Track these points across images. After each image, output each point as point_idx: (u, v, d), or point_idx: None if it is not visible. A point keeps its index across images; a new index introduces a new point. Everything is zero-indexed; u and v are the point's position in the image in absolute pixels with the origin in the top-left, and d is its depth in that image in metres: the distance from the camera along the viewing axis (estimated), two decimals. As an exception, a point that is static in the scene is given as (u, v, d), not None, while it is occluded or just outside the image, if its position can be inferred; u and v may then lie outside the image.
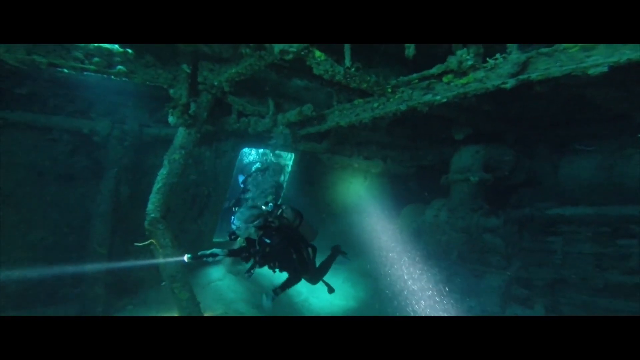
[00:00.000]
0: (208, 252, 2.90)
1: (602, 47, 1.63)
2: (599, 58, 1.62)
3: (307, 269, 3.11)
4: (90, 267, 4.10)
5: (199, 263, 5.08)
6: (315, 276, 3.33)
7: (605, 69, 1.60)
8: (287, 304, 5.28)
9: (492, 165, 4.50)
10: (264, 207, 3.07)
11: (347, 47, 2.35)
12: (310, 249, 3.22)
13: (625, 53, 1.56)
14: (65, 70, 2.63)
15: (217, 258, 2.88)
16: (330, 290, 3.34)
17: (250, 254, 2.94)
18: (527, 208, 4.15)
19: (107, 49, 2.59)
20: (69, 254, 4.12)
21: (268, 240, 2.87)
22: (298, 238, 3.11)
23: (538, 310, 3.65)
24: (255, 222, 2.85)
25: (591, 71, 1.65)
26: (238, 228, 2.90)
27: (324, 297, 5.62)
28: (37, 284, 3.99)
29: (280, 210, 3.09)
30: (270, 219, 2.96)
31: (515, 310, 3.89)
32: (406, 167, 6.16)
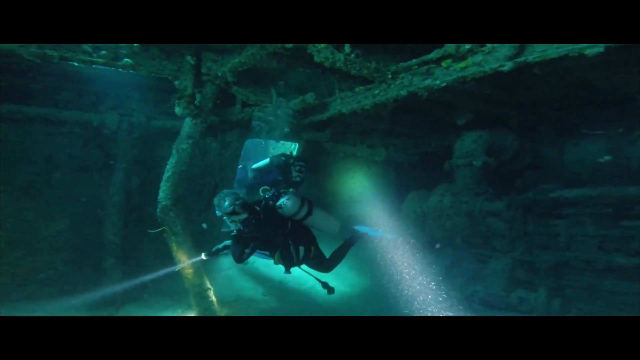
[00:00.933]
0: (221, 245, 3.04)
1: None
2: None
3: (288, 265, 2.96)
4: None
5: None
6: (325, 267, 3.28)
7: (602, 49, 1.62)
8: (295, 291, 5.45)
9: (496, 149, 4.51)
10: (261, 194, 3.00)
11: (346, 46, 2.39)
12: (307, 247, 3.02)
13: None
14: (75, 64, 2.73)
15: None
16: (330, 290, 3.19)
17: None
18: (531, 191, 4.16)
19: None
20: (86, 244, 4.33)
21: (244, 229, 2.80)
22: (294, 232, 2.95)
23: (541, 293, 3.72)
24: (229, 209, 2.74)
25: (587, 52, 1.67)
26: (218, 214, 2.88)
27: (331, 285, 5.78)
28: (60, 273, 4.21)
29: (271, 201, 2.93)
30: (254, 207, 2.86)
31: (520, 294, 3.96)
32: (410, 155, 6.18)
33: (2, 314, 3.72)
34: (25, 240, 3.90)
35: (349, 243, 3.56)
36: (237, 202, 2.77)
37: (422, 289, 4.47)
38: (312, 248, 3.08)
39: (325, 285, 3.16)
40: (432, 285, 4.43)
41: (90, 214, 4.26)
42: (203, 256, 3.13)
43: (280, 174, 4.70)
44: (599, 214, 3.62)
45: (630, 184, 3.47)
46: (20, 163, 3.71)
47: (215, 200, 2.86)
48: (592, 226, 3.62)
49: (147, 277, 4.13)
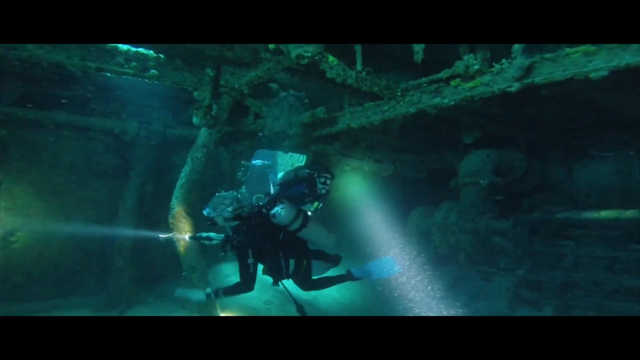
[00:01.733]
0: (204, 234, 2.99)
1: (603, 53, 1.71)
2: (600, 63, 1.71)
3: (276, 277, 2.78)
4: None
5: (215, 260, 5.28)
6: (306, 285, 3.08)
7: (606, 73, 1.69)
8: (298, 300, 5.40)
9: (503, 169, 4.53)
10: (250, 200, 2.83)
11: (358, 49, 2.51)
12: (298, 260, 2.86)
13: (624, 58, 1.64)
14: (108, 74, 2.92)
15: (212, 242, 2.90)
16: (301, 311, 2.83)
17: (225, 244, 2.77)
18: (537, 212, 4.14)
19: (143, 54, 2.87)
20: (98, 246, 4.43)
21: (233, 235, 2.67)
22: (286, 244, 2.82)
23: (546, 312, 3.64)
24: (222, 212, 2.64)
25: (592, 75, 1.73)
26: (209, 213, 2.73)
27: (332, 295, 5.72)
28: (70, 274, 4.30)
29: (265, 209, 2.78)
30: (247, 212, 2.73)
31: (524, 312, 3.88)
32: (417, 171, 6.22)
33: (14, 313, 3.79)
34: (42, 240, 4.02)
35: (342, 279, 3.40)
36: (240, 209, 2.68)
37: (423, 302, 4.40)
38: (305, 262, 2.93)
39: (299, 308, 2.81)
40: (435, 300, 4.36)
41: (104, 217, 4.38)
42: (187, 237, 3.19)
43: (305, 187, 4.63)
44: (608, 237, 3.58)
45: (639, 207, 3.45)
46: (49, 167, 3.89)
47: (215, 201, 2.70)
48: (600, 248, 3.57)
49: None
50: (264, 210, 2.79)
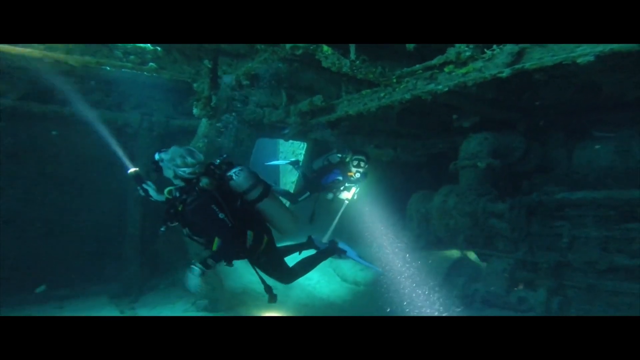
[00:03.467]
0: (145, 185, 2.53)
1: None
2: (587, 48, 1.73)
3: (230, 252, 2.31)
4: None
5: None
6: (282, 275, 2.67)
7: (592, 59, 1.71)
8: (300, 286, 5.63)
9: (502, 151, 4.55)
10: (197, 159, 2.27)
11: (352, 45, 2.53)
12: (257, 234, 2.38)
13: (609, 43, 1.66)
14: (108, 68, 2.99)
15: (150, 197, 2.50)
16: (272, 298, 2.50)
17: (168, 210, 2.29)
18: (535, 193, 4.20)
19: (140, 47, 2.93)
20: (110, 235, 4.65)
21: (182, 196, 2.22)
22: (249, 216, 2.39)
23: (541, 292, 3.77)
24: (178, 170, 2.20)
25: (579, 60, 1.76)
26: (161, 159, 2.26)
27: (334, 281, 5.93)
28: (88, 263, 4.55)
29: (218, 170, 2.35)
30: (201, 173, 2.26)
31: (519, 293, 4.02)
32: (417, 156, 6.26)
33: (30, 299, 4.05)
34: (57, 230, 4.24)
35: (326, 253, 3.00)
36: (200, 175, 2.21)
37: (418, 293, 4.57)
38: (265, 237, 2.46)
39: (268, 290, 2.48)
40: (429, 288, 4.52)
41: (114, 206, 4.57)
42: (131, 170, 2.72)
43: (338, 172, 4.33)
44: (602, 216, 3.64)
45: (638, 186, 3.48)
46: (57, 159, 4.04)
47: (178, 152, 2.24)
48: (594, 228, 3.65)
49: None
50: (218, 171, 2.36)
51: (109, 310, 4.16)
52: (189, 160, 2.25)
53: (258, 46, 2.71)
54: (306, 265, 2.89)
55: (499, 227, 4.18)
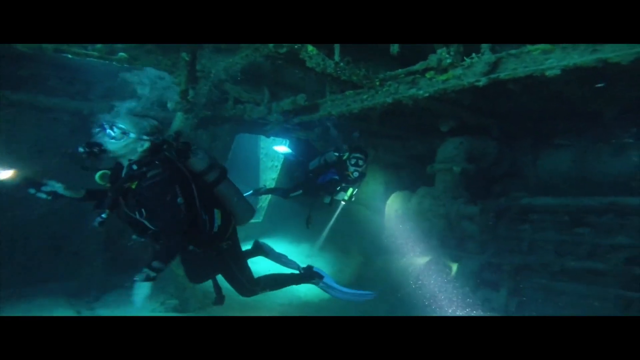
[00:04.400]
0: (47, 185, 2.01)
1: (557, 51, 1.84)
2: (554, 61, 1.84)
3: (198, 239, 2.06)
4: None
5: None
6: (246, 287, 2.34)
7: (558, 72, 1.83)
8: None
9: (476, 156, 4.76)
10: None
11: (336, 47, 2.52)
12: (226, 215, 2.18)
13: (573, 57, 1.79)
14: (69, 56, 2.75)
15: (63, 197, 2.03)
16: (219, 300, 2.35)
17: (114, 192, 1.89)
18: (504, 198, 4.44)
19: (109, 35, 2.72)
20: (70, 231, 4.32)
21: (146, 170, 1.86)
22: (208, 200, 2.15)
23: (502, 293, 4.03)
24: (148, 134, 1.90)
25: (547, 73, 1.87)
26: (113, 137, 1.85)
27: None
28: (41, 261, 4.20)
29: (179, 146, 2.07)
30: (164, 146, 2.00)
31: (484, 293, 4.26)
32: (397, 156, 6.39)
33: None
34: (7, 226, 3.88)
35: (299, 278, 2.70)
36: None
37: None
38: (232, 221, 2.23)
39: (217, 289, 2.34)
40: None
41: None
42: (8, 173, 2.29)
43: (335, 172, 4.08)
44: (558, 221, 3.94)
45: (590, 193, 3.80)
46: (10, 148, 3.68)
47: (133, 119, 1.92)
48: (551, 232, 3.94)
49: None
50: (174, 147, 2.08)
51: (63, 311, 3.83)
52: (153, 122, 1.96)
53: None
54: (274, 283, 2.56)
55: (470, 230, 4.38)
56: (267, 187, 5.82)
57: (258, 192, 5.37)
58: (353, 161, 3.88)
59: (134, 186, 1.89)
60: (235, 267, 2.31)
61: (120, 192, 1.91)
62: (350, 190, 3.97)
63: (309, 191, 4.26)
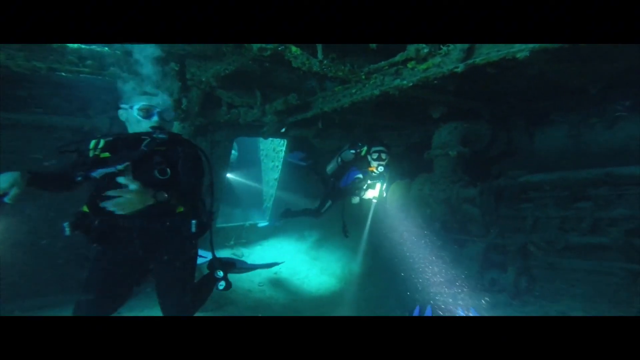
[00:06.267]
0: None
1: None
2: (522, 45, 1.89)
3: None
4: None
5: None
6: (186, 295, 2.13)
7: (527, 54, 1.88)
8: (288, 281, 5.73)
9: (471, 139, 4.80)
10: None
11: (319, 47, 2.59)
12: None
13: (541, 39, 1.83)
14: (63, 74, 2.86)
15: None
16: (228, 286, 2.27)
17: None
18: (502, 177, 4.47)
19: (98, 51, 2.83)
20: (65, 251, 4.39)
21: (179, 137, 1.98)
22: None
23: (510, 273, 4.05)
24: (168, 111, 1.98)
25: (518, 55, 1.92)
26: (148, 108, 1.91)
27: (322, 272, 6.08)
28: (62, 270, 4.33)
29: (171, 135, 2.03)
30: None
31: (492, 274, 4.30)
32: (395, 147, 6.43)
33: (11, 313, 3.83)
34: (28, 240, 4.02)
35: (207, 278, 2.38)
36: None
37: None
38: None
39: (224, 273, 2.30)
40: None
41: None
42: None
43: (356, 170, 3.85)
44: (559, 197, 3.95)
45: (588, 166, 3.80)
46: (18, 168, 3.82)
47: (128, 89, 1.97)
48: (553, 208, 3.95)
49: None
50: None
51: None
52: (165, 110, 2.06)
53: (224, 48, 2.71)
54: (201, 295, 2.30)
55: (471, 212, 4.43)
56: (293, 210, 5.22)
57: (286, 214, 4.94)
58: (375, 155, 3.70)
59: (164, 149, 1.96)
60: (188, 273, 2.18)
61: (149, 154, 1.92)
62: (379, 185, 3.76)
63: (335, 197, 4.07)
